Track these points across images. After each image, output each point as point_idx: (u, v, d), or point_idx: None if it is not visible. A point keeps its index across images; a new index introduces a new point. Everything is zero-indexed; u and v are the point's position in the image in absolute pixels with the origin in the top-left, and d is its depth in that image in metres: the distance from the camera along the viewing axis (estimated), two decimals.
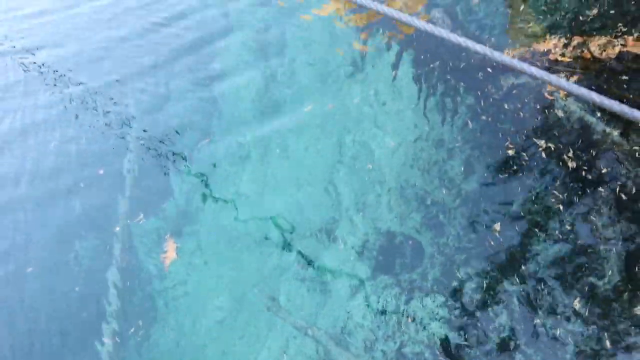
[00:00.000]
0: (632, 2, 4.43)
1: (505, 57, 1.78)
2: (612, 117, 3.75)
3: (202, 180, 3.96)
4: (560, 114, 3.79)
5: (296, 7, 4.81)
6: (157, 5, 4.94)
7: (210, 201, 3.86)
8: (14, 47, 4.97)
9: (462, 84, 4.09)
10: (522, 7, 4.49)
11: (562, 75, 3.82)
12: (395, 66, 4.36)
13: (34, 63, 4.80)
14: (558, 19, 4.36)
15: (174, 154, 4.09)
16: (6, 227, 3.94)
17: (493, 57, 1.76)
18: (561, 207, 3.42)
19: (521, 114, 3.77)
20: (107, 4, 5.07)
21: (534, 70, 1.69)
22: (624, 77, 3.84)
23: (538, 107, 3.83)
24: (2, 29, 5.12)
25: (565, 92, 3.78)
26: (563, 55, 3.95)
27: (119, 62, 4.64)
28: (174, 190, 3.94)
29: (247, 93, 4.34)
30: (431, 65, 4.26)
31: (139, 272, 3.67)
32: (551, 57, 3.95)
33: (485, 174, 3.68)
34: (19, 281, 3.70)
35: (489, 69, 4.07)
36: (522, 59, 3.92)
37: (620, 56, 3.93)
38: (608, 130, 3.69)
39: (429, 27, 1.88)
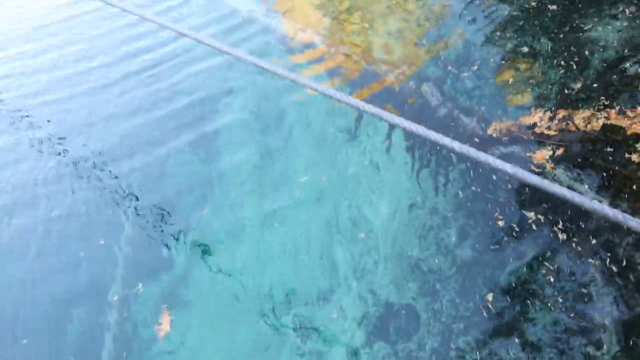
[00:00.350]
0: (615, 75, 4.64)
1: (507, 165, 1.89)
2: (604, 184, 3.86)
3: (199, 252, 4.03)
4: (552, 179, 3.88)
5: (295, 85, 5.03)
6: (157, 84, 5.16)
7: (207, 273, 3.91)
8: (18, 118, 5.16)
9: (452, 153, 4.23)
10: (510, 80, 4.70)
11: (549, 148, 3.96)
12: (388, 135, 4.52)
13: (38, 138, 4.96)
14: (545, 91, 4.56)
15: (172, 225, 4.18)
16: (4, 300, 3.98)
17: (495, 166, 1.87)
18: (552, 278, 3.46)
19: (509, 185, 3.88)
20: (113, 81, 5.29)
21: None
22: (609, 149, 3.97)
23: None
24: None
25: (552, 165, 3.90)
26: (549, 128, 4.11)
27: (118, 135, 4.80)
28: (172, 261, 4.00)
29: (245, 166, 4.47)
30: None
31: (134, 343, 3.67)
32: (537, 130, 4.10)
33: (478, 244, 3.74)
34: (14, 355, 3.70)
35: (476, 139, 4.22)
36: (509, 132, 4.07)
37: (604, 128, 4.08)
38: (599, 198, 3.78)
39: (414, 127, 2.00)
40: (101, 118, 4.82)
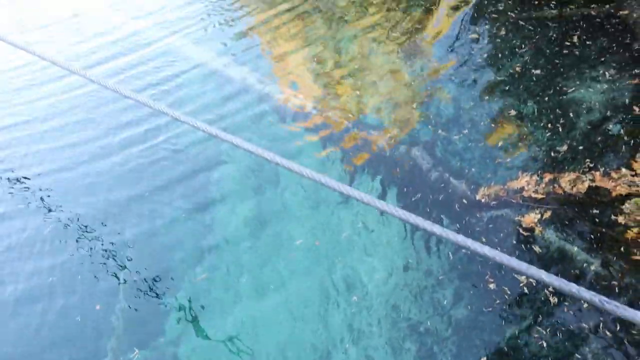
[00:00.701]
0: (599, 136, 4.82)
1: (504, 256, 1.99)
2: (593, 246, 3.94)
3: (195, 317, 4.06)
4: (539, 244, 3.98)
5: (293, 152, 5.20)
6: (156, 154, 5.32)
7: (203, 338, 3.93)
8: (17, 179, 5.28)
9: (443, 216, 4.33)
10: (498, 143, 4.87)
11: (537, 212, 4.07)
12: (381, 198, 4.63)
13: (36, 206, 5.06)
14: (532, 154, 4.72)
15: (168, 289, 4.23)
16: None
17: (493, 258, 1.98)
18: (545, 343, 3.49)
19: (498, 248, 3.96)
20: (111, 152, 5.42)
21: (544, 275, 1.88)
22: (595, 211, 4.08)
23: (516, 239, 4.03)
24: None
25: (541, 229, 4.00)
26: (536, 191, 4.23)
27: (117, 204, 4.91)
28: (168, 327, 4.02)
29: (241, 231, 4.56)
30: (413, 198, 4.53)
31: None
32: (525, 194, 4.23)
33: (472, 306, 3.79)
34: None
35: (465, 201, 4.34)
36: (498, 196, 4.20)
37: (589, 191, 4.21)
38: (589, 259, 3.86)
39: (406, 216, 2.11)
40: (101, 187, 4.94)
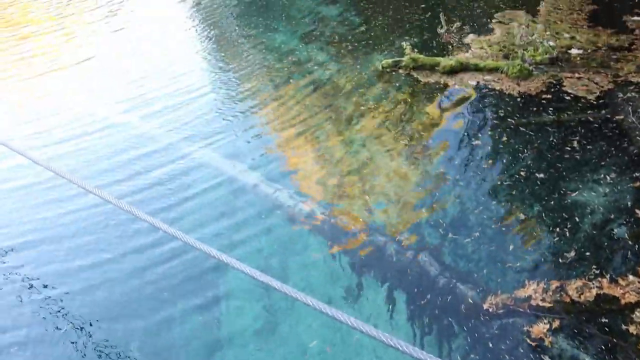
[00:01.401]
0: (604, 240, 4.91)
1: None
2: (604, 354, 3.90)
3: None
4: (549, 356, 3.94)
5: (298, 249, 5.35)
6: (152, 249, 5.49)
7: None
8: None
9: (451, 321, 4.35)
10: (505, 248, 4.97)
11: (546, 321, 4.08)
12: (389, 299, 4.68)
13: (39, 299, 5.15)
14: (539, 258, 4.79)
15: None
16: None
17: None
18: None
19: (507, 356, 3.94)
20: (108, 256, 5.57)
21: None
22: (604, 320, 4.08)
23: (526, 349, 4.01)
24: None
25: (550, 339, 3.99)
26: (543, 300, 4.27)
27: (119, 302, 4.99)
28: None
29: (249, 331, 4.57)
30: (422, 302, 4.57)
31: None
32: (532, 302, 4.26)
33: None
34: None
35: (473, 309, 4.36)
36: (505, 305, 4.24)
37: (597, 299, 4.23)
38: None
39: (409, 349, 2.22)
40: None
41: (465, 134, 6.78)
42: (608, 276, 4.44)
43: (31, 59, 10.90)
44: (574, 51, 8.35)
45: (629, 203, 5.30)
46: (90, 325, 4.75)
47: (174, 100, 8.60)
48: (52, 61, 10.70)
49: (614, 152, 6.05)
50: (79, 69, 10.32)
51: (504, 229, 5.23)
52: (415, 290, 4.69)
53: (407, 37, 9.77)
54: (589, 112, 6.77)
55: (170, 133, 7.59)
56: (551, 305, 4.22)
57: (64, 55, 10.95)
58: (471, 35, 9.51)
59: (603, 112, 6.74)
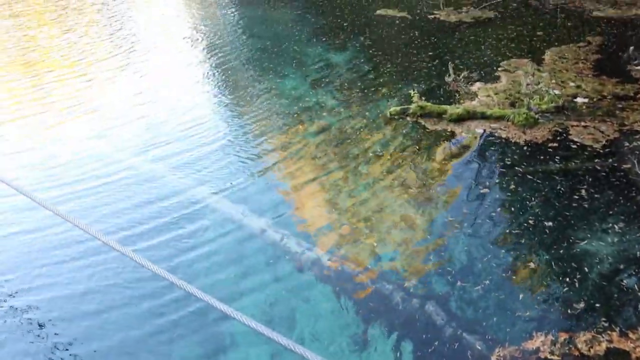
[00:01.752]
0: (613, 290, 4.87)
1: None
2: None
3: None
4: None
5: (305, 297, 5.36)
6: (156, 298, 5.50)
7: None
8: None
9: None
10: (512, 297, 4.95)
11: None
12: (396, 349, 4.65)
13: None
14: (547, 308, 4.76)
15: None
16: None
17: None
18: None
19: None
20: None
21: None
22: None
23: None
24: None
25: None
26: (552, 352, 4.22)
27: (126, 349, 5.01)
28: None
29: None
30: (429, 350, 4.54)
31: None
32: (541, 355, 4.21)
33: None
34: None
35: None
36: (513, 357, 4.19)
37: (608, 353, 4.17)
38: None
39: None
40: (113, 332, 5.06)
41: (473, 181, 6.85)
42: (618, 329, 4.39)
43: (51, 105, 11.25)
44: (579, 100, 8.49)
45: (638, 253, 5.29)
46: None
47: (187, 144, 8.80)
48: (71, 107, 11.04)
49: (621, 201, 6.07)
50: (98, 115, 10.62)
51: (512, 277, 5.23)
52: (422, 339, 4.66)
53: (415, 85, 10.02)
54: (595, 160, 6.83)
55: (182, 178, 7.74)
56: (559, 358, 4.17)
57: (83, 102, 11.29)
58: (478, 83, 9.73)
59: (610, 160, 6.80)
